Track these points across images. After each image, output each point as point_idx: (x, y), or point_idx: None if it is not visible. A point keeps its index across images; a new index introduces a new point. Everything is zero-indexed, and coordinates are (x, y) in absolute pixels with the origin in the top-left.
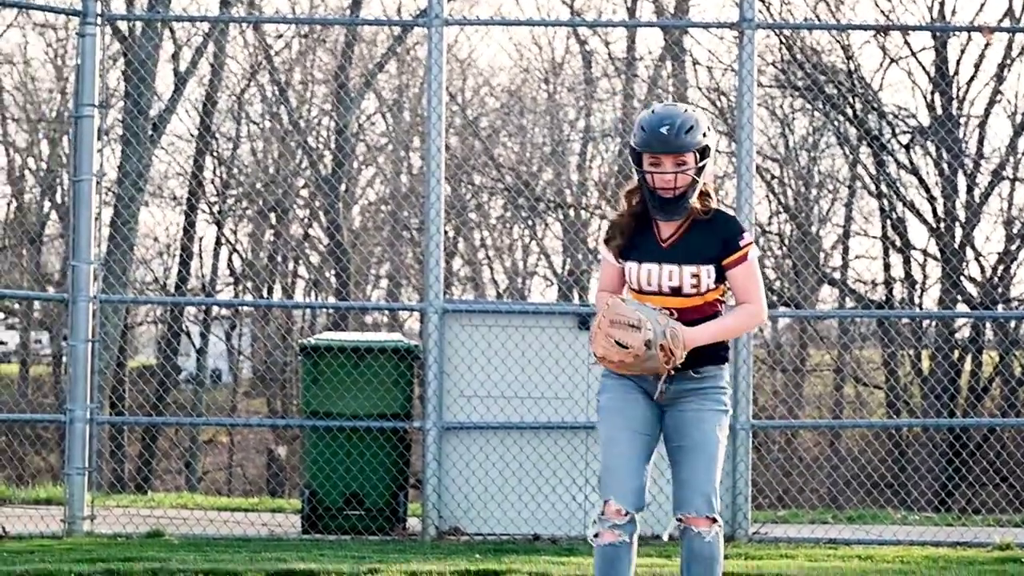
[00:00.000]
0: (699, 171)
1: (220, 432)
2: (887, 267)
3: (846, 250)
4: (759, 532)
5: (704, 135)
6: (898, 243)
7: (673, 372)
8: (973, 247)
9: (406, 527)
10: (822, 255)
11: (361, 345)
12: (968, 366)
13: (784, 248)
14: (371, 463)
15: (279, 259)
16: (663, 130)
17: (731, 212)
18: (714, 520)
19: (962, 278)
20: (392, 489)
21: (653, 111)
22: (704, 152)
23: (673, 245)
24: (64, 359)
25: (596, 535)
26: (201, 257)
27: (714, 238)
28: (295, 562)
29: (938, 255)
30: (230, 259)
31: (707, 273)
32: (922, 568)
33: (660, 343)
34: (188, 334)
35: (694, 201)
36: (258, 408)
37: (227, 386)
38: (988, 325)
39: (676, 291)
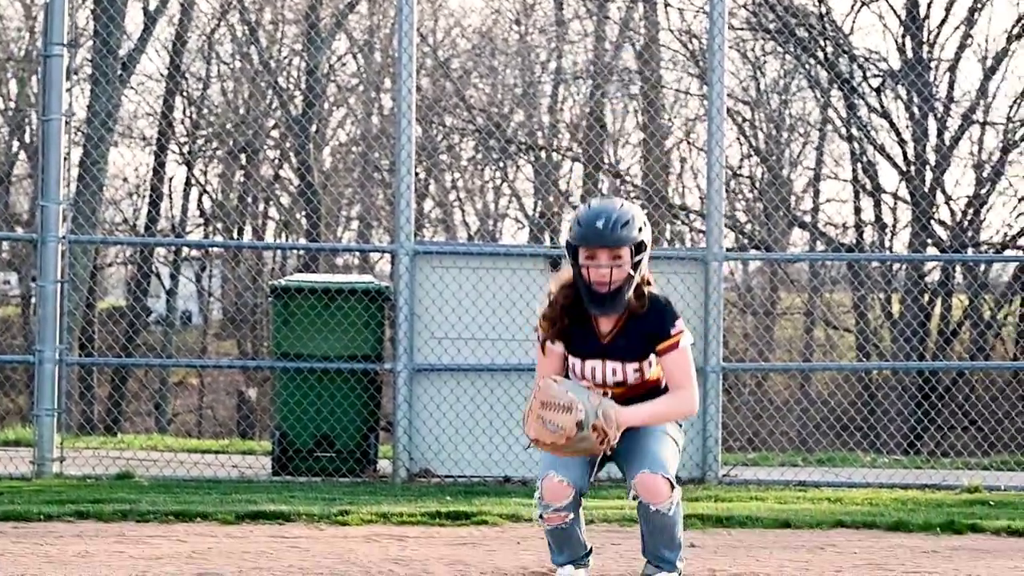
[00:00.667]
0: (635, 266)
1: (190, 374)
2: (857, 210)
3: (817, 193)
4: (729, 475)
5: (640, 230)
6: (868, 186)
7: (609, 453)
8: (943, 190)
9: (377, 469)
10: (793, 198)
11: (332, 286)
12: (938, 309)
13: (755, 191)
14: (342, 405)
15: (249, 200)
16: (599, 224)
17: (663, 298)
18: (672, 486)
19: (932, 221)
20: (363, 431)
21: (589, 205)
22: (640, 247)
23: (613, 340)
24: (33, 300)
25: (541, 516)
26: (171, 198)
27: (649, 329)
28: (265, 504)
29: (908, 198)
30: (200, 200)
31: (648, 364)
32: (891, 510)
33: (593, 423)
34: (158, 275)
35: (630, 296)
36: (228, 350)
37: (197, 327)
38: (958, 268)
39: (620, 384)
